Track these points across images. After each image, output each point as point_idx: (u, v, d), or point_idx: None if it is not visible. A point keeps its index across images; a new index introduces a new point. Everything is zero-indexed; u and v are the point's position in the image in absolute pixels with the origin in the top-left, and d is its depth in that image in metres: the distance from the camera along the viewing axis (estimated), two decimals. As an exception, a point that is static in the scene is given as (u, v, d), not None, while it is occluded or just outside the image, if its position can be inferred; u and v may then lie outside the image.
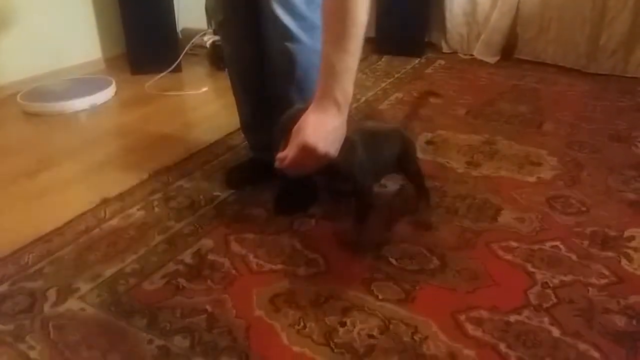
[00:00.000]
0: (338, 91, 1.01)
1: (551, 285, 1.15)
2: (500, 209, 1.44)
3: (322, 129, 1.00)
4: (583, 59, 2.59)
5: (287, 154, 1.02)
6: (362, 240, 1.29)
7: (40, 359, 0.97)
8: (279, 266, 1.22)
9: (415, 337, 1.01)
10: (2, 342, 1.01)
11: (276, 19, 1.26)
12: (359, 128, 1.26)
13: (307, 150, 0.99)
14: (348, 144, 1.10)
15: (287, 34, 1.27)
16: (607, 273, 1.18)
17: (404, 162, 1.36)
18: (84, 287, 1.16)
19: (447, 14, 2.85)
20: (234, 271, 1.20)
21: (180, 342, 1.00)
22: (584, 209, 1.44)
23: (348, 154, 1.12)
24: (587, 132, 1.93)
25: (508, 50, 2.80)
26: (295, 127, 1.01)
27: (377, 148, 1.27)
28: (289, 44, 1.28)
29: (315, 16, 1.18)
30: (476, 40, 2.82)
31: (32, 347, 1.00)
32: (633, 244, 1.28)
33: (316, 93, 1.02)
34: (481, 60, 2.78)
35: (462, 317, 1.06)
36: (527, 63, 2.72)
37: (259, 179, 1.54)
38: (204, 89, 2.41)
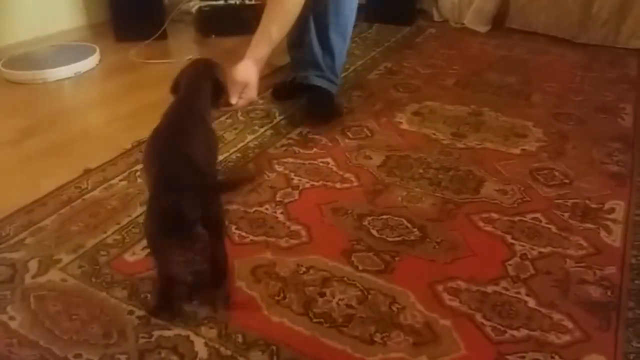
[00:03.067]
0: (261, 52, 1.50)
1: (530, 256, 1.16)
2: (483, 180, 1.44)
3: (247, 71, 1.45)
4: (574, 28, 2.56)
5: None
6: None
7: (20, 329, 0.98)
8: (261, 237, 1.22)
9: (392, 307, 1.03)
10: (-17, 313, 1.02)
11: None
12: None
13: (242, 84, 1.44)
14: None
15: None
16: (585, 245, 1.20)
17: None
18: (66, 258, 1.16)
19: (439, -19, 2.80)
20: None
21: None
22: (566, 181, 1.44)
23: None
24: (575, 103, 1.92)
25: (499, 19, 2.76)
26: (232, 73, 1.43)
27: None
28: None
29: None
30: (468, 8, 2.78)
31: (12, 318, 1.00)
32: (613, 215, 1.29)
33: (248, 49, 1.50)
34: (472, 30, 2.75)
35: (440, 288, 1.07)
36: (518, 33, 2.69)
37: (298, 95, 1.88)
38: (189, 57, 2.37)
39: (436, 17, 2.91)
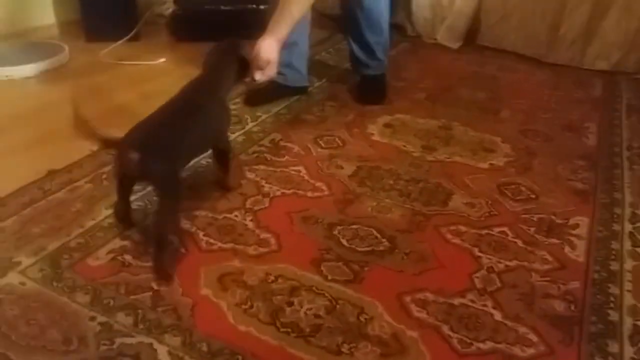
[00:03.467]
0: (283, 30, 1.54)
1: (496, 270, 1.18)
2: (451, 193, 1.46)
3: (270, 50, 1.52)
4: (543, 48, 2.63)
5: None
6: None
7: (-26, 334, 0.94)
8: (229, 245, 1.21)
9: (360, 318, 1.03)
10: None
11: None
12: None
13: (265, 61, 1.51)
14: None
15: None
16: (550, 259, 1.22)
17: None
18: (26, 261, 1.12)
19: (413, -4, 2.84)
20: (182, 249, 1.18)
21: (123, 319, 0.99)
22: (532, 196, 1.47)
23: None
24: (542, 121, 1.97)
25: (471, 36, 2.82)
26: (255, 51, 1.50)
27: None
28: None
29: None
30: (440, 24, 2.82)
31: (-35, 322, 0.96)
32: (577, 231, 1.32)
33: (268, 27, 1.54)
34: (444, 45, 2.79)
35: (408, 299, 1.08)
36: (489, 50, 2.75)
37: (275, 99, 1.97)
38: (162, 60, 2.34)
39: (410, 32, 2.94)
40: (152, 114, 1.20)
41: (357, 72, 2.12)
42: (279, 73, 1.90)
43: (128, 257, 1.14)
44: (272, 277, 1.12)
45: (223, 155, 1.40)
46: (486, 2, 2.72)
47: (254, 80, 1.55)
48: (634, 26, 2.42)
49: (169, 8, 2.71)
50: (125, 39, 2.48)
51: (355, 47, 2.03)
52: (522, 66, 2.57)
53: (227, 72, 1.37)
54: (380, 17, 1.98)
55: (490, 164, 1.63)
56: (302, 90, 2.05)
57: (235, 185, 1.44)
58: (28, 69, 2.11)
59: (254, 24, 2.81)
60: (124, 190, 1.20)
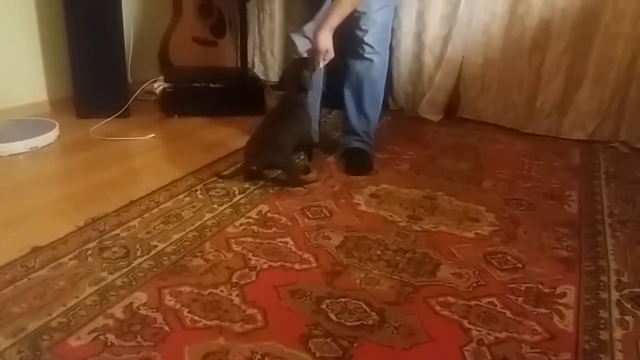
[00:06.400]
0: (335, 21, 1.85)
1: (486, 342, 1.16)
2: (439, 263, 1.46)
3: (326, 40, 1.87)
4: (521, 120, 2.72)
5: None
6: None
7: (-56, 423, 0.90)
8: (214, 322, 1.18)
9: (350, 397, 1.00)
10: None
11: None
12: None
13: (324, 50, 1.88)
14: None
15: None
16: (539, 330, 1.21)
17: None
18: (4, 342, 1.09)
19: (394, 73, 2.95)
20: (166, 327, 1.15)
21: (103, 403, 0.95)
22: (519, 265, 1.48)
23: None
24: (524, 190, 2.01)
25: (451, 109, 2.92)
26: (314, 44, 1.89)
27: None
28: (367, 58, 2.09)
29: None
30: (421, 98, 2.93)
31: (-64, 410, 0.92)
32: (564, 300, 1.32)
33: (323, 20, 1.87)
34: (425, 118, 2.88)
35: (398, 375, 1.05)
36: (469, 122, 2.84)
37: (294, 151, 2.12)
38: (151, 135, 2.39)
39: (392, 106, 3.04)
40: (259, 129, 1.91)
41: (349, 143, 2.21)
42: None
43: (111, 337, 1.11)
44: (258, 356, 1.09)
45: (308, 148, 2.07)
46: (465, 76, 2.84)
47: (318, 67, 1.92)
48: (607, 96, 2.53)
49: (159, 86, 2.78)
50: (115, 115, 2.53)
51: (353, 119, 2.19)
52: (502, 137, 2.66)
53: (299, 88, 1.92)
54: (381, 92, 2.18)
55: (476, 233, 1.64)
56: (315, 145, 2.27)
57: (315, 179, 1.97)
58: (17, 146, 2.14)
59: (242, 102, 2.91)
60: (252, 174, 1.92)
